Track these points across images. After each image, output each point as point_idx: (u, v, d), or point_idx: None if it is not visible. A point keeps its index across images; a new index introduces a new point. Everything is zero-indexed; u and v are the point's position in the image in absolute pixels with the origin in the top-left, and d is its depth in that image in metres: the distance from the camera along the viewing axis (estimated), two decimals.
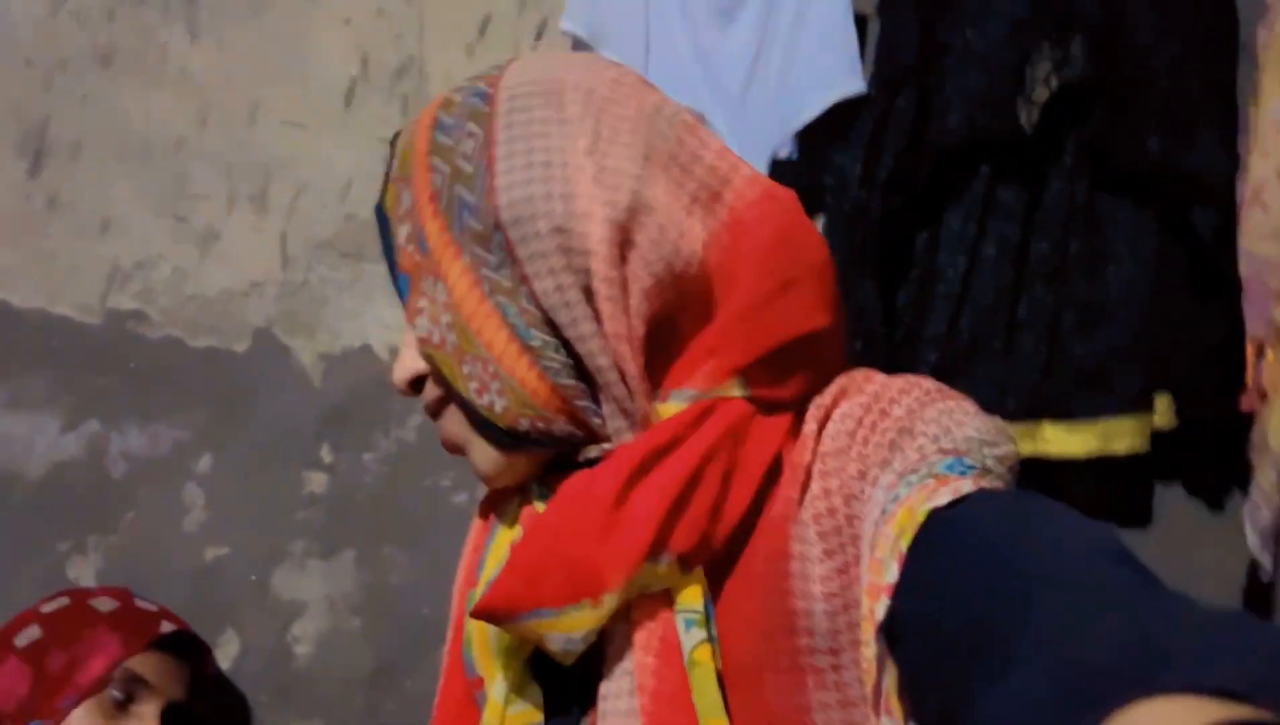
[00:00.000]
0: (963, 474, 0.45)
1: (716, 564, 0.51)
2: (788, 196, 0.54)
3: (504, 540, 0.57)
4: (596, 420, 0.53)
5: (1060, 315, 1.36)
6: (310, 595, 1.45)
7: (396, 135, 0.58)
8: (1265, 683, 0.29)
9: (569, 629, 0.49)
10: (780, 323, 0.52)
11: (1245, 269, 1.31)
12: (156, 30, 1.40)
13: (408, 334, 0.58)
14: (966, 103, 1.29)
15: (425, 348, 0.54)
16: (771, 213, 0.53)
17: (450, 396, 0.56)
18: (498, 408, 0.52)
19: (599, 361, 0.51)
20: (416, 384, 0.58)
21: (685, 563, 0.50)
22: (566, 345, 0.52)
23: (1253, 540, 1.38)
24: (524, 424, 0.52)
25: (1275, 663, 0.30)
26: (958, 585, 0.40)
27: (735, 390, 0.52)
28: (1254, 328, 1.34)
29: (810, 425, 0.52)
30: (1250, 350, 1.34)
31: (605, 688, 0.51)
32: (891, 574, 0.42)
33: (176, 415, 1.41)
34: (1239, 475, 1.42)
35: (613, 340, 0.51)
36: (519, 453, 0.55)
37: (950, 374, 1.36)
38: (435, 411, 0.58)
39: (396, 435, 1.43)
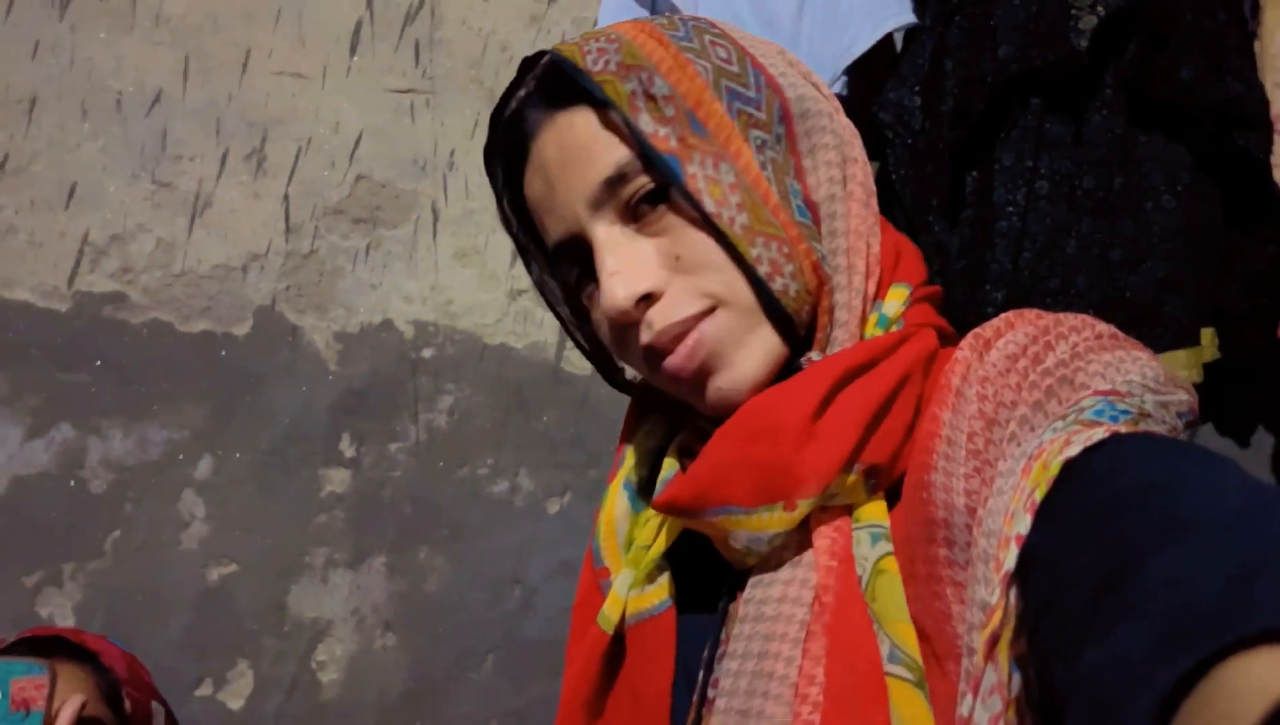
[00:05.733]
0: (1113, 420, 0.44)
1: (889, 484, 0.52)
2: None
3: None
4: (824, 321, 0.54)
5: (1109, 251, 1.34)
6: (335, 612, 1.25)
7: (542, 53, 0.57)
8: None
9: (758, 528, 0.50)
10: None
11: None
12: None
13: (622, 249, 0.54)
14: (1015, 33, 1.27)
15: (718, 224, 0.52)
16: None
17: (721, 296, 0.53)
18: (791, 291, 0.52)
19: (839, 260, 0.53)
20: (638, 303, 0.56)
21: (871, 478, 0.51)
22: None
23: None
24: (805, 313, 0.52)
25: None
26: (1081, 532, 0.40)
27: (931, 313, 0.55)
28: None
29: (964, 351, 0.53)
30: None
31: (768, 590, 0.51)
32: (1023, 525, 0.42)
33: (168, 413, 1.20)
34: (1275, 403, 1.43)
35: (856, 239, 0.53)
36: (786, 351, 0.53)
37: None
38: (679, 331, 0.53)
39: (426, 420, 1.27)
